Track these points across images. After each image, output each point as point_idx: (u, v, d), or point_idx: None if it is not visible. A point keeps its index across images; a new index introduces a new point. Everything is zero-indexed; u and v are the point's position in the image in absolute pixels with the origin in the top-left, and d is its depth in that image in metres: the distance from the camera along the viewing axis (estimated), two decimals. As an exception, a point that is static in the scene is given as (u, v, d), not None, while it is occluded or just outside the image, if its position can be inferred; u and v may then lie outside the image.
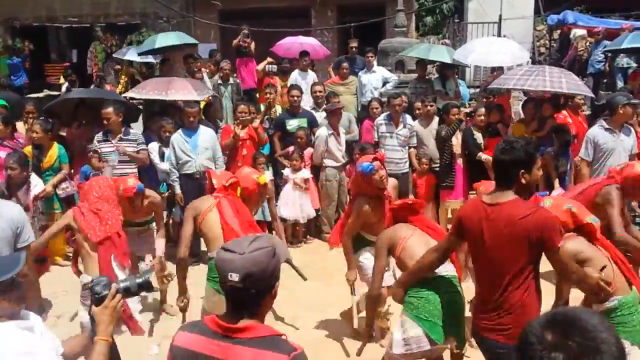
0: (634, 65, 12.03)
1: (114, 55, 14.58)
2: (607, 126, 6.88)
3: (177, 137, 7.69)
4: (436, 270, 3.94)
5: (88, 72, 16.72)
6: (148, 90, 8.75)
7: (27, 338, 2.56)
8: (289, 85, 9.81)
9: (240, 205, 4.95)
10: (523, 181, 3.38)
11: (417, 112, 9.02)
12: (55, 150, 7.61)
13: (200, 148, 7.69)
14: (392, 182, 5.48)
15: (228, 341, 2.20)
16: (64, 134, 8.52)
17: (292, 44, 12.39)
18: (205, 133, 7.79)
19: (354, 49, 11.62)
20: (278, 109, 9.74)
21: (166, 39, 11.43)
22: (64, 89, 13.16)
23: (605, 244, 3.91)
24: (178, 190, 7.64)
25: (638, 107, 7.67)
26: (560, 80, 8.05)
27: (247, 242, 2.24)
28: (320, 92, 9.43)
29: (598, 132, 6.91)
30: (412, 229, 4.33)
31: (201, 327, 2.29)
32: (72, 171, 8.08)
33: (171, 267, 5.78)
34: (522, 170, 3.36)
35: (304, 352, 2.22)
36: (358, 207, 5.10)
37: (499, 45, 10.58)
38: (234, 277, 2.16)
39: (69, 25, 17.72)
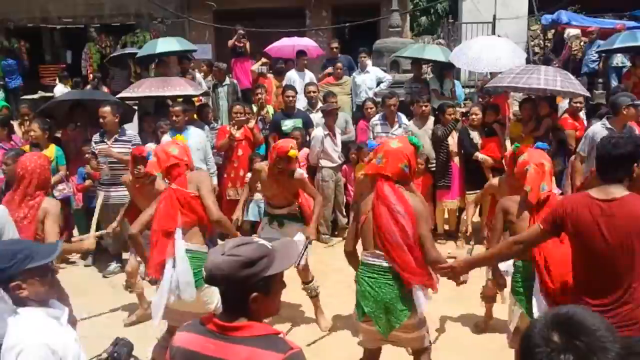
0: (629, 64, 12.07)
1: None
2: (608, 125, 6.88)
3: (168, 139, 7.66)
4: (367, 259, 4.08)
5: (83, 73, 16.67)
6: (144, 89, 8.75)
7: (53, 327, 2.67)
8: (283, 85, 9.82)
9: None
10: (634, 174, 3.46)
11: (414, 111, 9.02)
12: (52, 152, 7.59)
13: (192, 149, 7.66)
14: None
15: (224, 340, 2.20)
16: (58, 135, 8.50)
17: (285, 45, 12.38)
18: (195, 134, 7.79)
19: (334, 50, 11.64)
20: (270, 109, 9.71)
21: (167, 44, 11.56)
22: (57, 90, 13.11)
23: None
24: None
25: None
26: (555, 79, 8.05)
27: (233, 245, 2.25)
28: (314, 92, 9.41)
29: (598, 130, 6.89)
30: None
31: (199, 326, 2.30)
32: (68, 173, 8.08)
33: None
34: (636, 163, 3.44)
35: (301, 351, 2.21)
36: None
37: (500, 47, 10.34)
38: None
39: (63, 27, 17.67)
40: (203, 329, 2.28)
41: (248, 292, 2.21)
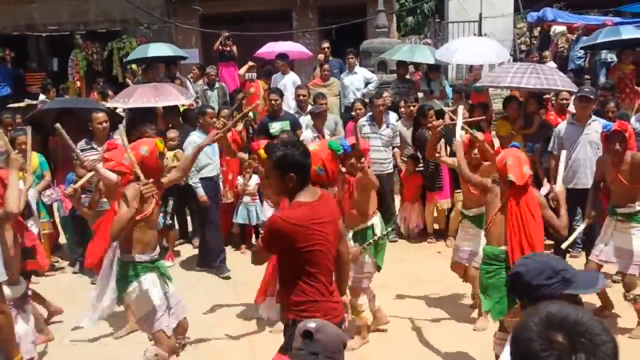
0: (616, 59, 12.10)
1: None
2: (571, 120, 7.04)
3: (197, 139, 7.56)
4: None
5: (69, 80, 16.59)
6: (136, 99, 8.70)
7: None
8: (269, 88, 9.83)
9: None
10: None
11: (401, 110, 9.05)
12: (35, 159, 7.55)
13: (217, 150, 7.76)
14: None
15: None
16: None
17: (272, 50, 12.35)
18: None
19: (325, 50, 11.64)
20: (251, 114, 9.65)
21: (160, 49, 11.60)
22: (40, 100, 13.02)
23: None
24: (202, 193, 7.55)
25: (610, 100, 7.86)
26: (554, 78, 8.16)
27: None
28: (304, 96, 9.40)
29: (563, 126, 7.13)
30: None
31: None
32: (55, 180, 8.04)
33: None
34: None
35: None
36: None
37: (481, 44, 10.80)
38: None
39: (49, 34, 17.57)
40: None
41: None
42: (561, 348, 1.50)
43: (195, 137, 7.48)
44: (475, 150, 5.83)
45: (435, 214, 8.70)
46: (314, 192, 3.50)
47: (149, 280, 4.58)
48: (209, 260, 7.74)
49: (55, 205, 8.14)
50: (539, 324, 1.57)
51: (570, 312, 1.58)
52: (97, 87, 13.06)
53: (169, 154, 8.14)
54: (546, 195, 6.81)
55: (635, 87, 10.35)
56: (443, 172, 8.38)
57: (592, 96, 7.02)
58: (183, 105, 9.24)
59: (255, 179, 8.25)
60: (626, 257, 5.64)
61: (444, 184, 8.41)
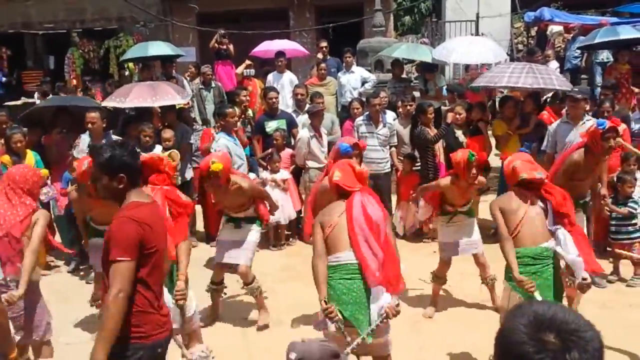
0: (612, 59, 12.11)
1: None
2: (565, 120, 7.06)
3: (227, 142, 7.55)
4: (340, 259, 4.06)
5: (66, 78, 16.56)
6: (132, 99, 8.68)
7: None
8: (265, 87, 9.82)
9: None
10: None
11: (399, 110, 9.05)
12: (31, 157, 7.54)
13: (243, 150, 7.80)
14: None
15: None
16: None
17: (269, 48, 12.32)
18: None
19: (324, 49, 11.62)
20: (250, 112, 9.66)
21: (159, 48, 11.62)
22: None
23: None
24: None
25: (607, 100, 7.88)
26: (550, 77, 8.18)
27: (323, 339, 2.95)
28: (302, 95, 9.39)
29: (557, 126, 7.18)
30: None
31: None
32: (50, 178, 8.00)
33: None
34: None
35: None
36: (321, 188, 5.19)
37: (478, 43, 10.82)
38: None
39: (45, 32, 17.52)
40: None
41: None
42: (554, 348, 1.49)
43: (225, 141, 7.46)
44: (474, 170, 5.74)
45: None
46: (145, 195, 3.43)
47: None
48: None
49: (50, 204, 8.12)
50: (529, 325, 1.55)
51: (557, 311, 1.58)
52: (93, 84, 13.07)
53: (164, 155, 8.11)
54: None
55: (631, 87, 10.36)
56: (441, 170, 8.37)
57: (579, 96, 7.04)
58: (179, 104, 9.20)
59: (283, 174, 8.29)
60: None
61: None
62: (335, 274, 4.06)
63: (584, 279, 4.44)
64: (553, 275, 4.47)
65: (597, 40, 10.98)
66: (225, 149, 7.25)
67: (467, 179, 5.66)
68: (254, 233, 6.00)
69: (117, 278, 3.03)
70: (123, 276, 3.04)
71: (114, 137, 7.46)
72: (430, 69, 11.02)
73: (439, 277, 6.21)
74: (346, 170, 4.33)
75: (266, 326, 5.98)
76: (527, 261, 4.46)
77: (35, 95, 13.18)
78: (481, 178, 5.82)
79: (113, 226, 3.14)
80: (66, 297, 6.73)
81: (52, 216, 8.13)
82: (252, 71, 11.30)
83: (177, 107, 9.23)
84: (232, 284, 6.39)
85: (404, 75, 11.05)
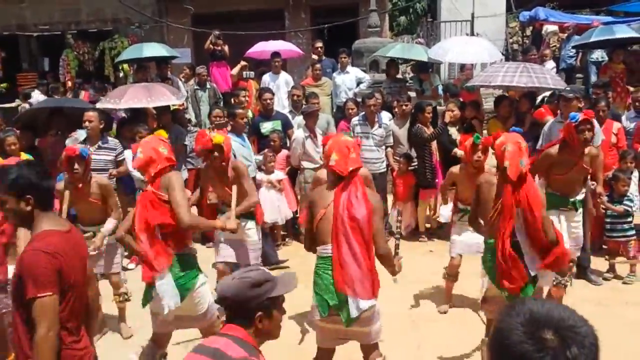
0: (607, 58, 12.15)
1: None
2: (560, 119, 7.08)
3: (234, 142, 7.43)
4: (328, 250, 4.08)
5: (61, 80, 16.52)
6: (127, 100, 8.66)
7: None
8: (260, 88, 9.81)
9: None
10: None
11: (395, 111, 9.07)
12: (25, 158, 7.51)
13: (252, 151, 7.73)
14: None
15: (218, 336, 2.63)
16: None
17: (264, 49, 12.30)
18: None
19: (319, 49, 11.61)
20: (249, 114, 9.66)
21: (154, 49, 11.66)
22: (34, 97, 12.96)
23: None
24: None
25: (601, 100, 7.87)
26: (545, 76, 8.21)
27: (243, 271, 2.71)
28: (298, 96, 9.37)
29: (552, 124, 7.18)
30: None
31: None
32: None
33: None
34: None
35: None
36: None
37: (473, 43, 10.88)
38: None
39: (40, 34, 17.49)
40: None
41: (254, 311, 2.58)
42: (554, 346, 1.49)
43: (235, 144, 7.41)
44: (479, 153, 5.78)
45: (428, 212, 8.72)
46: (62, 222, 3.17)
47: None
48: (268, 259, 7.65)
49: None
50: (526, 324, 1.55)
51: (552, 308, 1.58)
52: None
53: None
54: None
55: (626, 86, 10.38)
56: (438, 170, 8.39)
57: (571, 95, 7.06)
58: (173, 105, 9.19)
59: (278, 175, 8.29)
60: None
61: (439, 181, 8.41)
62: (324, 265, 4.11)
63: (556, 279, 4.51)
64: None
65: (593, 39, 11.01)
66: (236, 150, 7.35)
67: (472, 162, 5.77)
68: (254, 232, 5.92)
69: (44, 316, 2.82)
70: (49, 312, 2.84)
71: (110, 140, 7.43)
72: (425, 69, 11.08)
73: (450, 275, 6.25)
74: (342, 152, 4.25)
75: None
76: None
77: (34, 93, 13.11)
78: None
79: (24, 261, 2.89)
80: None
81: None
82: (252, 73, 11.30)
83: (171, 109, 9.22)
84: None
85: (399, 76, 11.05)
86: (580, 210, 5.93)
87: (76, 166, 5.52)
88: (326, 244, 4.10)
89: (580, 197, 5.87)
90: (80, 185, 5.65)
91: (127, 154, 7.77)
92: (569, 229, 5.80)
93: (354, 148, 4.33)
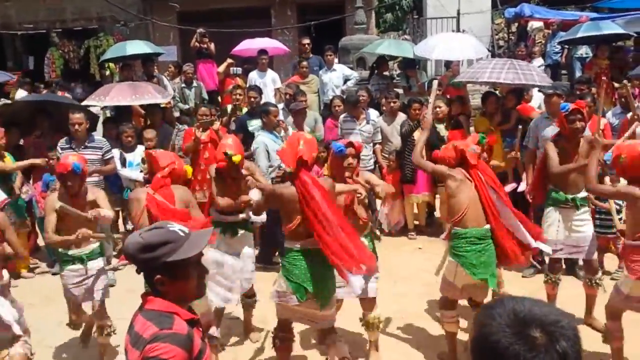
0: (592, 54, 12.23)
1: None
2: (546, 115, 7.13)
3: (267, 140, 7.51)
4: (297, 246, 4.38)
5: (46, 78, 16.40)
6: (112, 97, 8.62)
7: None
8: (247, 86, 9.78)
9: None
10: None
11: (383, 108, 9.08)
12: (9, 159, 7.47)
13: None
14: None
15: (139, 311, 2.42)
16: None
17: (249, 47, 12.26)
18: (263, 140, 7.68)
19: (307, 46, 11.60)
20: (244, 111, 9.65)
21: (138, 47, 11.65)
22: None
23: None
24: None
25: (589, 96, 7.90)
26: (531, 73, 8.24)
27: (147, 229, 2.45)
28: (291, 95, 9.34)
29: (540, 121, 7.19)
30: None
31: None
32: (32, 180, 7.95)
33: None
34: None
35: (181, 335, 2.29)
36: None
37: (459, 40, 10.92)
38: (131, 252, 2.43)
39: (25, 32, 17.35)
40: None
41: (152, 274, 2.38)
42: (543, 342, 1.50)
43: (264, 138, 7.51)
44: (484, 154, 5.81)
45: (416, 210, 8.74)
46: None
47: None
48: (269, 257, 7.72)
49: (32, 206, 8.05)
50: (512, 325, 1.55)
51: (532, 305, 1.59)
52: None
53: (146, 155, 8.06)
54: (521, 191, 6.88)
55: (612, 82, 10.44)
56: None
57: (550, 91, 7.11)
58: (159, 103, 9.16)
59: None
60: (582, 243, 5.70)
61: (418, 177, 8.40)
62: (298, 256, 4.39)
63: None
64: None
65: (579, 35, 11.07)
66: (263, 146, 7.44)
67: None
68: (251, 247, 5.71)
69: None
70: None
71: (97, 138, 7.39)
72: (412, 66, 11.10)
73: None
74: (291, 145, 4.50)
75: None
76: (474, 241, 4.76)
77: (19, 92, 12.98)
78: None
79: None
80: (50, 299, 6.67)
81: (35, 218, 8.09)
82: (239, 69, 11.26)
83: (161, 107, 9.18)
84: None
85: (386, 73, 11.08)
86: (586, 209, 5.76)
87: (70, 183, 5.20)
88: (298, 241, 4.38)
89: (581, 194, 5.67)
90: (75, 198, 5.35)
91: (115, 152, 7.75)
92: (566, 228, 5.67)
93: (306, 141, 4.47)
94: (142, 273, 2.46)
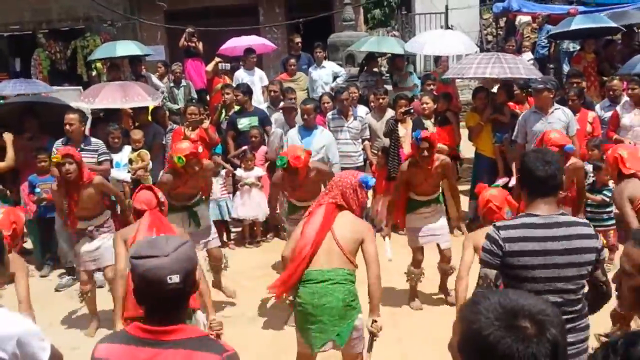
0: (579, 48, 12.25)
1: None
2: (534, 109, 7.13)
3: (294, 136, 7.55)
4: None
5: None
6: (101, 99, 8.55)
7: None
8: (234, 84, 9.74)
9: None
10: None
11: (372, 104, 9.06)
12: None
13: (314, 149, 7.35)
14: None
15: (158, 346, 2.16)
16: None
17: (237, 45, 12.20)
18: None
19: (298, 45, 11.57)
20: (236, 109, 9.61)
21: (128, 47, 11.63)
22: None
23: None
24: None
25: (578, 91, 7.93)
26: (517, 66, 8.26)
27: (164, 243, 2.21)
28: (275, 92, 9.33)
29: (528, 115, 7.24)
30: None
31: (124, 336, 2.24)
32: (20, 181, 7.89)
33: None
34: None
35: (236, 353, 2.21)
36: None
37: (449, 36, 10.98)
38: (176, 278, 2.13)
39: (11, 34, 17.21)
40: (131, 338, 2.21)
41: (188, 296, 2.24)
42: (534, 332, 1.50)
43: (293, 133, 7.69)
44: (425, 153, 5.88)
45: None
46: None
47: None
48: None
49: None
50: (501, 318, 1.53)
51: (517, 296, 1.59)
52: None
53: (133, 155, 8.02)
54: (509, 187, 6.87)
55: (598, 75, 10.48)
56: (401, 160, 8.33)
57: (540, 86, 7.13)
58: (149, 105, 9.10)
59: (257, 171, 8.22)
60: None
61: None
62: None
63: None
64: None
65: (572, 28, 11.08)
66: (328, 139, 7.61)
67: (417, 157, 5.91)
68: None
69: None
70: None
71: (93, 141, 7.30)
72: (400, 62, 11.06)
73: (416, 274, 6.33)
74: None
75: None
76: None
77: None
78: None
79: None
80: (40, 302, 6.59)
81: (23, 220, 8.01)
82: (228, 65, 11.21)
83: (152, 107, 9.13)
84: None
85: (375, 69, 11.06)
86: None
87: (67, 166, 5.61)
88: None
89: None
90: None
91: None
92: None
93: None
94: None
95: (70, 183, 5.75)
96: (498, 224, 3.23)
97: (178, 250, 2.17)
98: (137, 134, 8.06)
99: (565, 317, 3.00)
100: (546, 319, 1.52)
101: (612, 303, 4.75)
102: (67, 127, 6.95)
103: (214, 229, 6.43)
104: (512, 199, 4.71)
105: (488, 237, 3.17)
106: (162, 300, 2.18)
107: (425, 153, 5.80)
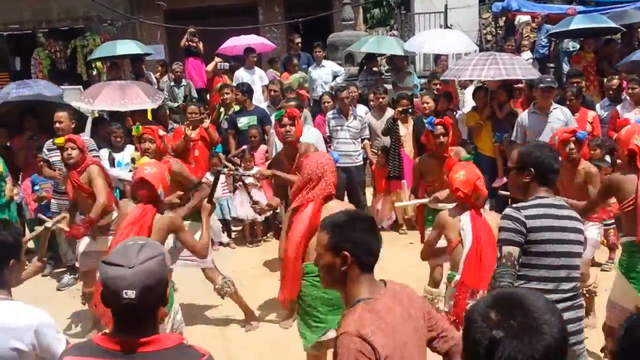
0: (578, 47, 12.26)
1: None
2: (533, 110, 7.13)
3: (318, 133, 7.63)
4: None
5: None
6: (100, 101, 8.54)
7: None
8: (234, 84, 9.75)
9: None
10: None
11: (371, 103, 9.08)
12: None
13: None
14: None
15: (131, 359, 2.07)
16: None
17: (236, 44, 12.21)
18: (309, 133, 7.51)
19: (298, 45, 11.58)
20: (237, 109, 9.62)
21: (128, 47, 11.65)
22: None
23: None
24: None
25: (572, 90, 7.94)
26: (514, 67, 8.25)
27: (135, 253, 2.10)
28: (275, 91, 9.33)
29: (526, 115, 7.23)
30: None
31: (93, 348, 2.14)
32: (21, 181, 7.88)
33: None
34: None
35: (212, 356, 2.17)
36: None
37: (449, 35, 11.02)
38: (131, 294, 2.02)
39: (11, 33, 17.21)
40: (100, 350, 2.12)
41: (165, 295, 2.17)
42: (489, 323, 1.54)
43: (315, 130, 7.69)
44: (441, 139, 5.85)
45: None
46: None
47: None
48: None
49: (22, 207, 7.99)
50: (488, 300, 1.60)
51: (520, 295, 1.61)
52: None
53: (135, 154, 8.01)
54: (501, 188, 6.87)
55: (598, 75, 10.50)
56: (403, 160, 8.34)
57: (543, 85, 7.14)
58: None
59: (256, 169, 8.22)
60: None
61: (405, 173, 8.38)
62: None
63: None
64: None
65: (572, 27, 11.09)
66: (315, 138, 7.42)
67: (432, 146, 5.93)
68: None
69: None
70: None
71: (85, 139, 7.31)
72: (400, 61, 11.08)
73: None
74: None
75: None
76: None
77: None
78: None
79: None
80: (40, 301, 6.58)
81: (25, 220, 8.03)
82: (226, 64, 11.21)
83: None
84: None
85: (374, 68, 11.08)
86: None
87: (69, 151, 5.73)
88: None
89: None
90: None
91: (102, 153, 7.69)
92: None
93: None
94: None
95: (70, 167, 5.84)
96: (516, 205, 3.46)
97: (144, 263, 2.06)
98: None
99: (571, 294, 3.34)
100: (515, 325, 1.53)
101: (603, 317, 4.82)
102: (57, 124, 6.93)
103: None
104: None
105: (509, 217, 3.36)
106: (120, 312, 2.10)
107: (442, 139, 5.77)
